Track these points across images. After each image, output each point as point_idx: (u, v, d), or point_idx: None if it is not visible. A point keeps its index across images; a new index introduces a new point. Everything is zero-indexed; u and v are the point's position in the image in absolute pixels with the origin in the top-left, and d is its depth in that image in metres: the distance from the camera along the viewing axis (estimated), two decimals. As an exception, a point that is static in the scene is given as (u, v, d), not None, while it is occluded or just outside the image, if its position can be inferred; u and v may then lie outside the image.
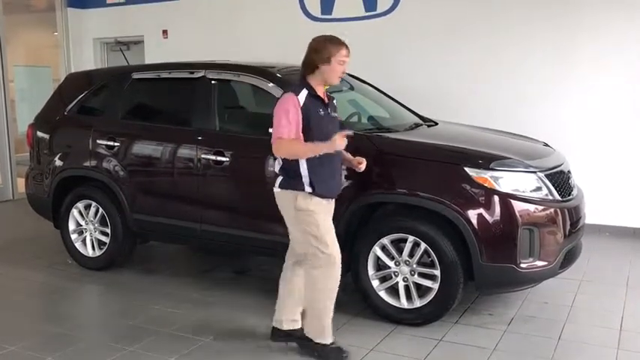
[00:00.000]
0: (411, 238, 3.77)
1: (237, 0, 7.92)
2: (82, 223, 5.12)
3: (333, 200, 3.47)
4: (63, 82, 5.79)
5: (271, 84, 4.37)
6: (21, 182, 6.76)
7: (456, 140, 4.28)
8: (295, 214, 3.33)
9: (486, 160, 3.73)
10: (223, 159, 4.37)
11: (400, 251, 3.83)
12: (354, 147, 3.95)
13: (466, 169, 3.66)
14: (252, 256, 5.39)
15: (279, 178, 3.38)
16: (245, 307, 4.26)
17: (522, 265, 3.63)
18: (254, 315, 4.10)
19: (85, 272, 5.06)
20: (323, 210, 3.34)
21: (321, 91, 3.38)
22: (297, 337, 3.52)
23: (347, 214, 3.88)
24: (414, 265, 3.78)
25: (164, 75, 4.96)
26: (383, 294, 3.88)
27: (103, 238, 5.02)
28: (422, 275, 3.78)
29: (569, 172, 4.21)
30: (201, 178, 4.48)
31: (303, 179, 3.29)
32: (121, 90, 5.07)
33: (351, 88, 5.09)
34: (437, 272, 3.72)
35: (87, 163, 5.00)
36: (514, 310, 4.16)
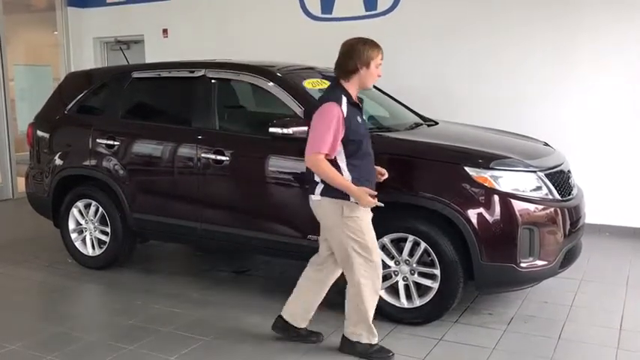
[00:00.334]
0: (411, 238, 3.77)
1: (237, -1, 7.94)
2: (82, 222, 5.12)
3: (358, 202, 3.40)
4: (63, 82, 5.79)
5: (271, 83, 4.37)
6: (21, 181, 6.77)
7: (456, 140, 4.28)
8: (342, 222, 3.27)
9: (486, 160, 3.73)
10: (223, 158, 4.37)
11: (400, 250, 3.83)
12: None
13: (466, 168, 3.66)
14: (252, 255, 5.40)
15: (320, 186, 3.29)
16: (245, 306, 4.26)
17: (522, 265, 3.63)
18: (254, 314, 4.10)
19: (84, 271, 5.06)
20: (367, 215, 3.31)
21: (355, 96, 3.33)
22: (297, 335, 3.58)
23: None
24: (414, 265, 3.78)
25: (164, 74, 4.95)
26: (383, 293, 3.87)
27: (103, 238, 5.02)
28: (422, 274, 3.78)
29: (569, 171, 4.21)
30: (201, 177, 4.48)
31: None
32: (121, 89, 5.07)
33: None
34: (437, 271, 3.73)
35: (87, 163, 5.00)
36: (514, 309, 4.16)
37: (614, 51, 5.94)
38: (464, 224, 3.61)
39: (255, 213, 4.36)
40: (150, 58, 8.36)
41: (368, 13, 7.09)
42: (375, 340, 3.44)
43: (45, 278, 5.01)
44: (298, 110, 4.16)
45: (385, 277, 3.88)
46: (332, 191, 3.26)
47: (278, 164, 4.22)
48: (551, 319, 4.03)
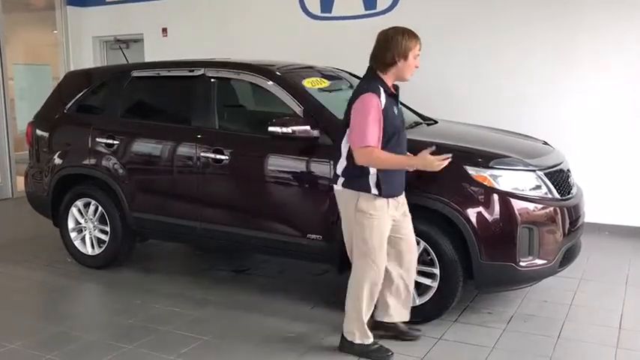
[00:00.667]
0: (410, 237, 3.77)
1: (236, -2, 7.94)
2: (82, 221, 5.12)
3: (401, 198, 3.41)
4: (62, 81, 5.78)
5: (271, 82, 4.37)
6: (20, 180, 6.75)
7: (455, 139, 4.27)
8: (355, 215, 3.27)
9: (486, 159, 3.72)
10: (223, 157, 4.37)
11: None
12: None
13: (466, 167, 3.66)
14: (252, 254, 5.40)
15: (341, 179, 3.31)
16: (244, 305, 4.26)
17: (522, 264, 3.63)
18: (253, 313, 4.10)
19: (84, 270, 5.06)
20: (384, 215, 3.27)
21: (391, 87, 3.30)
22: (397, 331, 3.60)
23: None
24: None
25: (163, 73, 4.95)
26: (382, 292, 3.88)
27: (103, 237, 5.01)
28: (421, 274, 3.78)
29: (568, 170, 4.21)
30: (200, 176, 4.48)
31: (370, 178, 3.22)
32: (120, 88, 5.07)
33: (351, 86, 5.08)
34: (436, 271, 3.73)
35: (86, 162, 5.00)
36: (513, 308, 4.16)
37: (614, 51, 5.93)
38: (463, 223, 3.61)
39: (255, 212, 4.35)
40: (149, 57, 8.35)
41: (367, 12, 7.09)
42: (368, 341, 3.43)
43: (44, 277, 5.00)
44: (298, 109, 4.16)
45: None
46: (351, 183, 3.26)
47: (277, 163, 4.21)
48: (550, 318, 4.03)
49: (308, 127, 3.99)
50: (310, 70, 4.81)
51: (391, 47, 3.20)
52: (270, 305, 4.25)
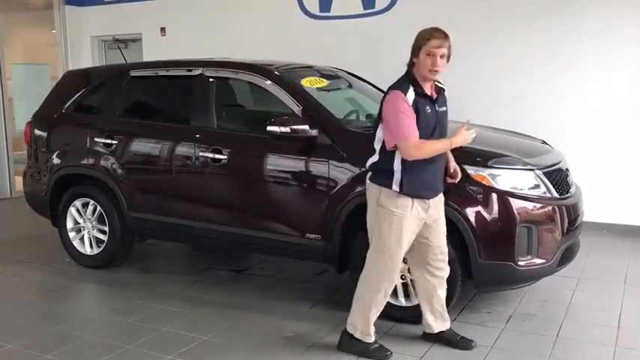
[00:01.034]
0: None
1: (235, -2, 7.93)
2: (80, 221, 5.12)
3: (435, 201, 3.33)
4: (61, 80, 5.78)
5: (269, 82, 4.37)
6: (19, 180, 6.75)
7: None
8: (376, 209, 3.28)
9: (484, 158, 3.72)
10: (221, 157, 4.37)
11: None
12: (352, 144, 3.98)
13: (464, 166, 3.65)
14: (251, 254, 5.39)
15: (370, 173, 3.34)
16: (243, 305, 4.26)
17: (520, 263, 3.63)
18: (252, 313, 4.10)
19: (82, 270, 5.06)
20: (407, 214, 3.22)
21: (428, 87, 3.23)
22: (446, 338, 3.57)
23: (343, 213, 3.89)
24: (409, 265, 3.77)
25: (162, 73, 4.95)
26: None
27: (101, 237, 5.01)
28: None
29: (567, 169, 4.21)
30: (199, 176, 4.48)
31: (395, 175, 3.20)
32: (118, 88, 5.06)
33: (350, 86, 5.09)
34: (435, 270, 3.72)
35: (85, 161, 4.99)
36: (512, 307, 4.16)
37: (614, 51, 5.93)
38: (462, 222, 3.61)
39: (254, 212, 4.35)
40: (148, 57, 8.34)
41: (366, 11, 7.08)
42: (369, 339, 3.43)
43: (43, 277, 5.00)
44: (296, 109, 4.16)
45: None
46: (377, 178, 3.28)
47: (276, 163, 4.21)
48: (549, 317, 4.03)
49: (306, 127, 3.98)
50: (309, 70, 4.81)
51: (412, 46, 3.20)
52: (269, 305, 4.25)
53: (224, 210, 4.47)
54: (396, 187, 3.21)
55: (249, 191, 4.38)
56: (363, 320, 3.41)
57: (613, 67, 5.96)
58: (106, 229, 4.95)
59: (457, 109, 6.13)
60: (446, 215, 3.64)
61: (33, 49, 10.58)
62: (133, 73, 5.04)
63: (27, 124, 5.50)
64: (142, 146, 4.80)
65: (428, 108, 3.21)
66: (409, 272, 3.76)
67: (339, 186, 3.93)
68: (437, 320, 3.57)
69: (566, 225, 3.82)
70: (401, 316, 3.82)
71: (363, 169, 3.83)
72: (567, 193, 4.00)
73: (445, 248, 3.46)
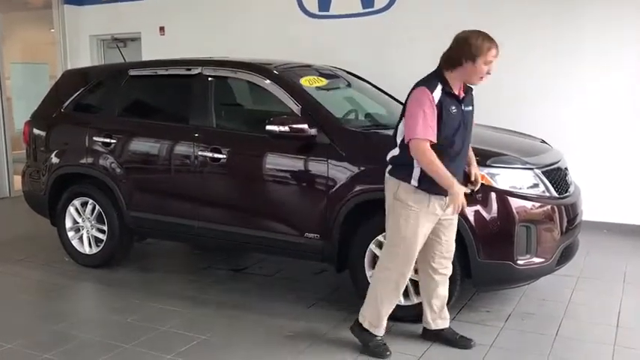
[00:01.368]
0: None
1: (234, -4, 7.92)
2: (79, 220, 5.11)
3: (449, 199, 3.29)
4: (59, 79, 5.78)
5: (268, 81, 4.36)
6: (18, 179, 6.75)
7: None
8: (393, 203, 3.29)
9: (483, 157, 3.71)
10: (220, 156, 4.36)
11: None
12: (351, 144, 3.98)
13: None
14: (250, 253, 5.39)
15: (389, 166, 3.34)
16: (242, 304, 4.25)
17: (519, 262, 3.63)
18: (251, 312, 4.09)
19: (81, 270, 5.05)
20: (423, 210, 3.22)
21: (457, 87, 3.21)
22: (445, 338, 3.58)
23: (342, 212, 3.89)
24: (416, 265, 3.77)
25: (161, 72, 4.94)
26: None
27: (100, 236, 5.01)
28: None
29: (566, 168, 4.21)
30: (198, 175, 4.47)
31: (414, 170, 3.20)
32: (117, 87, 5.06)
33: (349, 85, 5.09)
34: (434, 269, 3.72)
35: (83, 161, 4.99)
36: (511, 306, 4.16)
37: (614, 51, 5.93)
38: (461, 222, 3.60)
39: (253, 211, 4.35)
40: (146, 56, 8.34)
41: (365, 10, 7.08)
42: (377, 332, 3.45)
43: (42, 277, 5.00)
44: (295, 108, 4.15)
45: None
46: (396, 172, 3.27)
47: (275, 162, 4.21)
48: (548, 316, 4.03)
49: (305, 126, 3.98)
50: (308, 69, 4.81)
51: (463, 48, 3.14)
52: (268, 304, 4.25)
53: (223, 209, 4.46)
54: (414, 182, 3.21)
55: (248, 190, 4.38)
56: (373, 312, 3.43)
57: (613, 67, 5.96)
58: (105, 228, 4.95)
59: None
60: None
61: (32, 48, 10.57)
62: (132, 73, 5.03)
63: (26, 123, 5.49)
64: (140, 145, 4.80)
65: (454, 107, 3.19)
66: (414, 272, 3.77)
67: (338, 185, 3.93)
68: (436, 317, 3.58)
69: (565, 224, 3.82)
70: (401, 315, 3.80)
71: (362, 168, 3.85)
72: (566, 192, 4.00)
73: (453, 247, 3.48)
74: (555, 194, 3.83)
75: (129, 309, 4.18)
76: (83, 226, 5.10)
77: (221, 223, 4.45)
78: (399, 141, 3.30)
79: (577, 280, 4.67)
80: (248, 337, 3.73)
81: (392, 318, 3.76)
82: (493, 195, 3.62)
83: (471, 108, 3.35)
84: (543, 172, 3.85)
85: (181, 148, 4.54)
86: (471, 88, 3.37)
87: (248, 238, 4.37)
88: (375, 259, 3.88)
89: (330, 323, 3.86)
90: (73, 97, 5.25)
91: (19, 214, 6.80)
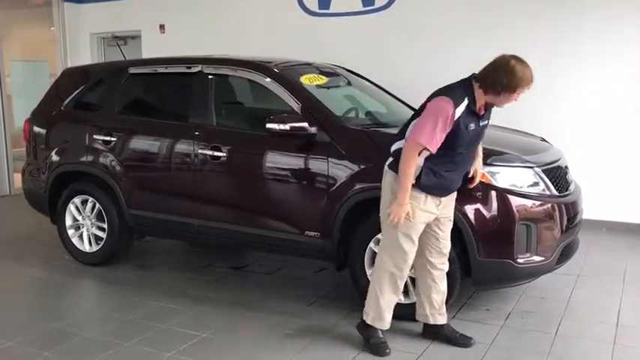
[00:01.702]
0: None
1: (234, -6, 7.92)
2: (79, 218, 5.11)
3: (447, 199, 3.37)
4: (59, 77, 5.76)
5: (268, 79, 4.36)
6: (18, 177, 6.75)
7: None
8: (389, 197, 3.30)
9: (484, 156, 3.71)
10: (220, 154, 4.36)
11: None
12: (351, 142, 3.98)
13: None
14: (250, 251, 5.39)
15: (390, 159, 3.34)
16: (242, 302, 4.26)
17: (519, 261, 3.63)
18: (251, 310, 4.10)
19: (81, 267, 5.05)
20: (419, 205, 3.24)
21: (480, 103, 3.18)
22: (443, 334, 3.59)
23: (342, 211, 3.89)
24: (413, 261, 3.77)
25: (161, 70, 4.94)
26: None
27: (100, 234, 5.01)
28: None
29: (566, 167, 4.21)
30: (198, 173, 4.47)
31: (415, 169, 3.21)
32: (117, 85, 5.06)
33: (349, 83, 5.09)
34: (434, 267, 3.72)
35: (84, 159, 4.99)
36: (511, 305, 4.16)
37: (614, 51, 5.93)
38: (461, 220, 3.61)
39: (253, 209, 4.35)
40: (147, 54, 8.34)
41: (366, 8, 7.07)
42: (380, 326, 3.47)
43: (42, 274, 4.99)
44: (295, 106, 4.15)
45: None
46: (394, 165, 3.28)
47: (275, 160, 4.21)
48: (548, 314, 4.04)
49: (305, 124, 3.98)
50: (308, 67, 4.80)
51: (505, 74, 3.06)
52: (268, 302, 4.25)
53: (223, 207, 4.46)
54: (412, 180, 3.22)
55: (249, 189, 4.38)
56: (375, 307, 3.45)
57: (613, 66, 5.95)
58: (105, 226, 4.95)
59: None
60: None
61: (32, 46, 10.57)
62: (132, 71, 5.03)
63: (26, 121, 5.49)
64: (140, 143, 4.79)
65: (472, 125, 3.18)
66: (410, 270, 3.77)
67: (338, 183, 3.93)
68: (435, 313, 3.58)
69: (565, 223, 3.82)
70: (400, 313, 3.80)
71: (363, 167, 3.85)
72: (566, 190, 4.00)
73: (449, 243, 3.49)
74: (555, 193, 3.83)
75: (129, 307, 4.18)
76: (83, 224, 5.10)
77: (221, 221, 4.45)
78: (408, 136, 3.29)
79: (577, 278, 4.67)
80: (248, 334, 3.73)
81: (392, 316, 3.78)
82: (493, 193, 3.62)
83: (487, 122, 3.36)
84: (543, 171, 3.85)
85: (181, 147, 4.54)
86: (492, 105, 3.32)
87: (248, 237, 4.37)
88: (374, 257, 3.89)
89: (330, 321, 3.86)
90: (73, 95, 5.24)
91: (19, 212, 6.80)
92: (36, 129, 5.36)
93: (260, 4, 7.71)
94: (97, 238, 5.05)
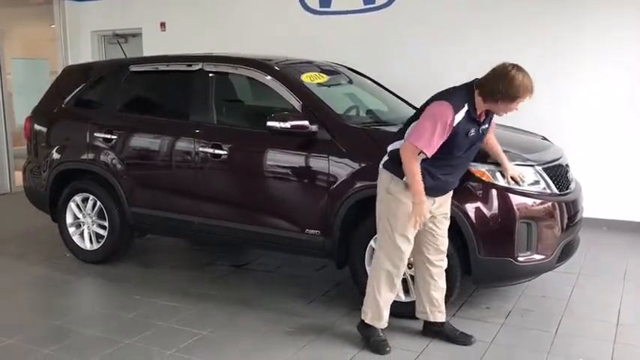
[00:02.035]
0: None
1: (235, -8, 7.92)
2: (80, 216, 5.11)
3: (442, 199, 3.38)
4: (60, 75, 5.77)
5: (269, 77, 4.36)
6: (19, 175, 6.76)
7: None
8: (385, 196, 3.31)
9: (485, 154, 3.71)
10: (221, 152, 4.36)
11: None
12: (352, 140, 3.98)
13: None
14: (251, 249, 5.40)
15: (386, 157, 3.35)
16: (243, 300, 4.26)
17: (520, 259, 3.63)
18: (252, 308, 4.10)
19: (82, 265, 5.06)
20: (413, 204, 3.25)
21: (480, 110, 3.18)
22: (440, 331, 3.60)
23: (342, 209, 3.90)
24: (412, 259, 3.77)
25: (161, 68, 4.94)
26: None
27: (101, 232, 5.01)
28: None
29: (567, 165, 4.21)
30: (198, 171, 4.48)
31: None
32: (118, 83, 5.06)
33: (350, 81, 5.08)
34: (434, 266, 3.72)
35: (84, 156, 4.99)
36: (511, 303, 4.17)
37: (614, 50, 5.92)
38: (461, 218, 3.61)
39: (253, 207, 4.35)
40: (147, 52, 8.33)
41: (366, 6, 7.07)
42: (379, 325, 3.47)
43: (43, 272, 5.00)
44: (296, 104, 4.15)
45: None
46: (391, 165, 3.29)
47: (276, 158, 4.21)
48: (548, 313, 4.04)
49: (306, 122, 3.98)
50: (309, 65, 4.80)
51: (504, 83, 3.06)
52: (269, 300, 4.25)
53: (224, 205, 4.46)
54: (405, 178, 3.23)
55: (249, 187, 4.38)
56: (373, 305, 3.45)
57: (613, 66, 5.95)
58: (106, 224, 4.95)
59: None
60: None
61: (32, 43, 10.57)
62: (133, 68, 5.03)
63: (27, 119, 5.50)
64: (141, 141, 4.80)
65: (472, 131, 3.19)
66: (409, 268, 3.77)
67: (338, 181, 3.93)
68: (435, 310, 3.58)
69: (565, 221, 3.82)
70: (400, 311, 3.81)
71: (363, 165, 3.85)
72: (567, 189, 3.99)
73: (446, 240, 3.50)
74: (556, 191, 3.83)
75: (130, 305, 4.18)
76: (84, 222, 5.11)
77: (222, 219, 4.45)
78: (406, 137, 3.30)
79: (577, 277, 4.67)
80: (249, 332, 3.73)
81: (392, 314, 3.77)
82: (494, 192, 3.62)
83: (487, 126, 3.35)
84: (544, 169, 3.85)
85: (182, 144, 4.54)
86: (493, 112, 3.32)
87: (249, 234, 4.37)
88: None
89: (330, 319, 3.87)
90: (73, 92, 5.25)
91: (20, 210, 6.79)
92: (37, 127, 5.36)
93: (261, 3, 7.71)
94: (98, 236, 5.05)
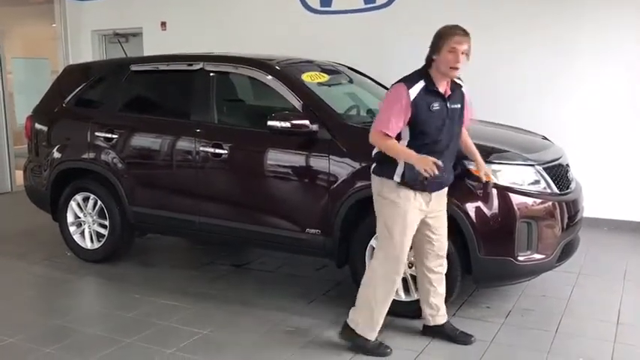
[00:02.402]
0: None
1: (235, -8, 7.92)
2: (81, 215, 5.12)
3: (438, 194, 3.35)
4: (61, 74, 5.77)
5: (270, 76, 4.36)
6: (19, 174, 6.76)
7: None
8: (380, 202, 3.31)
9: (485, 153, 3.70)
10: (222, 151, 4.37)
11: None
12: (353, 140, 3.98)
13: (464, 161, 3.65)
14: (251, 248, 5.40)
15: (374, 164, 3.36)
16: (244, 299, 4.27)
17: (520, 259, 3.64)
18: (253, 307, 4.10)
19: (83, 265, 5.06)
20: (409, 205, 3.23)
21: (442, 85, 3.20)
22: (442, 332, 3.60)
23: (343, 208, 3.90)
24: (412, 258, 3.78)
25: (162, 67, 4.95)
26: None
27: (102, 231, 5.01)
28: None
29: (567, 165, 4.21)
30: (199, 170, 4.48)
31: (398, 166, 3.20)
32: (119, 82, 5.06)
33: (350, 81, 5.09)
34: (435, 265, 3.72)
35: (85, 156, 4.99)
36: (511, 303, 4.17)
37: (614, 49, 5.92)
38: (462, 218, 3.61)
39: (254, 206, 4.35)
40: (148, 51, 8.33)
41: (367, 6, 7.07)
42: (370, 337, 3.41)
43: (43, 271, 5.01)
44: (297, 104, 4.16)
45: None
46: (379, 169, 3.30)
47: (276, 158, 4.21)
48: (548, 312, 4.04)
49: (307, 122, 3.98)
50: (309, 65, 4.80)
51: (432, 42, 3.18)
52: (269, 299, 4.26)
53: (224, 205, 4.47)
54: (397, 177, 3.22)
55: (250, 186, 4.38)
56: (366, 314, 3.40)
57: (613, 66, 5.95)
58: (107, 223, 4.96)
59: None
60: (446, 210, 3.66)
61: (33, 43, 10.58)
62: (134, 68, 5.04)
63: (27, 118, 5.50)
64: (142, 141, 4.80)
65: (436, 105, 3.18)
66: (409, 267, 3.77)
67: (339, 181, 3.94)
68: (435, 314, 3.59)
69: (566, 221, 3.83)
70: (400, 311, 3.81)
71: (364, 165, 3.85)
72: (567, 188, 4.00)
73: (445, 244, 3.47)
74: (556, 191, 3.83)
75: (130, 304, 4.19)
76: (85, 221, 5.11)
77: (222, 218, 4.45)
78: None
79: (577, 276, 4.68)
80: (249, 332, 3.74)
81: (392, 313, 3.78)
82: (494, 191, 3.62)
83: (458, 105, 3.33)
84: (544, 169, 3.85)
85: (183, 144, 4.55)
86: (460, 86, 3.35)
87: (249, 234, 4.37)
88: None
89: (330, 319, 3.87)
90: (74, 92, 5.25)
91: (20, 209, 6.80)
92: (37, 126, 5.37)
93: (261, 3, 7.71)
94: (99, 235, 5.05)
